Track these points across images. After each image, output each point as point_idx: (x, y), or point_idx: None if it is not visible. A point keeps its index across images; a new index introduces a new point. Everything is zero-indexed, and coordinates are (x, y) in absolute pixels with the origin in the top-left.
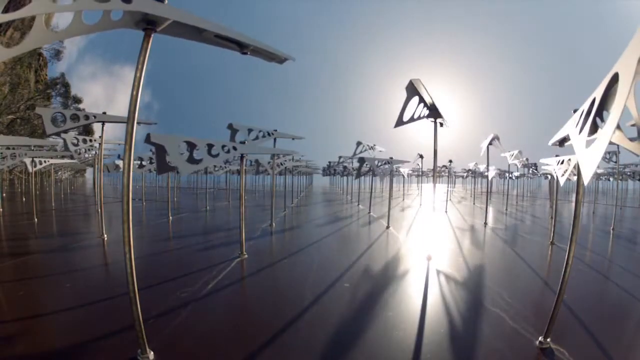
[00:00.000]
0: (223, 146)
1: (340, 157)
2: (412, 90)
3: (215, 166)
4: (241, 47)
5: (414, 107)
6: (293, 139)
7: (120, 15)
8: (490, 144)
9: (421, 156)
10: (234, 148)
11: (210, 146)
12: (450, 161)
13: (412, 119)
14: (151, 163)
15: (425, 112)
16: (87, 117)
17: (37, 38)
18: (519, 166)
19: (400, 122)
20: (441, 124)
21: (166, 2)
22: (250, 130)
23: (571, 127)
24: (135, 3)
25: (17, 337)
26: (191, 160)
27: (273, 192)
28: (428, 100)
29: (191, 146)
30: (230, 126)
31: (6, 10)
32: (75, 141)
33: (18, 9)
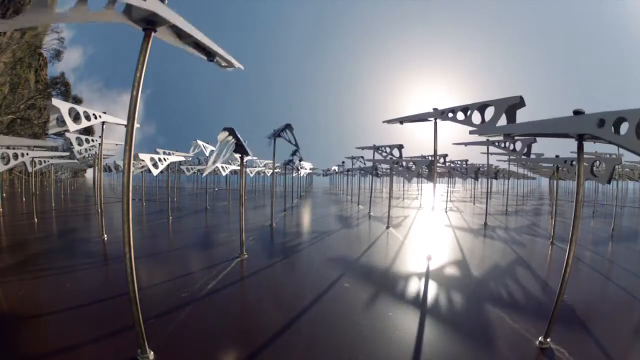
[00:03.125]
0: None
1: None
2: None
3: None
4: (208, 55)
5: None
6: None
7: (122, 9)
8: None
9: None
10: None
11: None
12: (449, 161)
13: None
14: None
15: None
16: (88, 117)
17: (36, 15)
18: None
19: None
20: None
21: (166, 2)
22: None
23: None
24: (149, 2)
25: (17, 337)
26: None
27: (273, 193)
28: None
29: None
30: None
31: None
32: (79, 141)
33: None
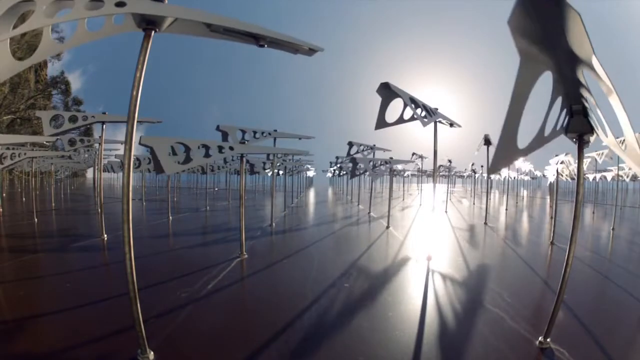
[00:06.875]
0: (219, 147)
1: (337, 158)
2: (387, 92)
3: (212, 165)
4: (257, 39)
5: (400, 108)
6: (300, 138)
7: (122, 20)
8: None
9: (421, 156)
10: (231, 148)
11: (206, 147)
12: (450, 161)
13: (401, 120)
14: (149, 163)
15: (421, 112)
16: (85, 117)
17: (46, 49)
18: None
19: (382, 124)
20: (451, 125)
21: (166, 1)
22: (243, 132)
23: None
24: (129, 5)
25: (17, 337)
26: (183, 160)
27: (273, 193)
28: (407, 101)
29: (186, 148)
30: (218, 128)
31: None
32: (72, 142)
33: (22, 24)
